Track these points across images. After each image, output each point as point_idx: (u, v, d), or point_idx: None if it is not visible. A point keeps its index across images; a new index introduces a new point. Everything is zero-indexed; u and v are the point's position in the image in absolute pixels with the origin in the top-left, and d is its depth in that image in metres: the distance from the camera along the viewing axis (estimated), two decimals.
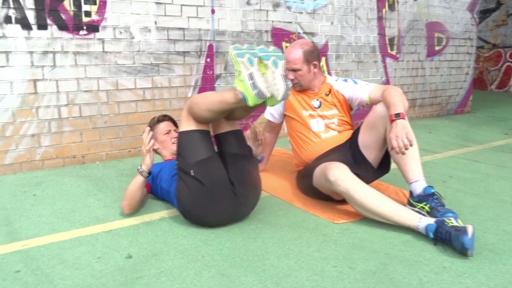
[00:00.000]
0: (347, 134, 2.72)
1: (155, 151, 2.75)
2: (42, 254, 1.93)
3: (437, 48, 5.59)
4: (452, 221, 2.10)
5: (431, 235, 2.07)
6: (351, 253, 1.98)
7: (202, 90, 3.77)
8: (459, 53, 5.89)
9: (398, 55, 5.15)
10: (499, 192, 2.85)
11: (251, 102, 1.89)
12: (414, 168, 2.43)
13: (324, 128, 2.70)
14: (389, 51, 5.05)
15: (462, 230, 1.95)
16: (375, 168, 2.60)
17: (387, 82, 5.10)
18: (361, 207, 2.24)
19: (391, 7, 4.96)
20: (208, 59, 3.76)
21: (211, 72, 3.80)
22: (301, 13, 4.27)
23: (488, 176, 3.20)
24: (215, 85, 3.85)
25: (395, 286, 1.71)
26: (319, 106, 2.72)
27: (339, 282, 1.73)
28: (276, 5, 4.08)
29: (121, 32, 3.31)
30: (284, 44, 4.19)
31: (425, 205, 2.34)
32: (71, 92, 3.20)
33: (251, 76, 1.86)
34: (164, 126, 2.71)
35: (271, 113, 2.95)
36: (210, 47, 3.75)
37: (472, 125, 5.26)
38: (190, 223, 2.25)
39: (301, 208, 2.51)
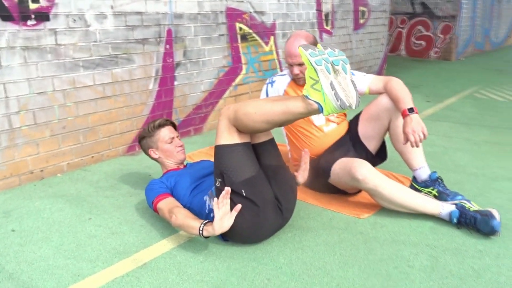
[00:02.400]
0: (344, 125, 2.75)
1: (155, 160, 2.47)
2: None
3: (361, 21, 5.85)
4: (470, 205, 2.28)
5: (455, 220, 2.22)
6: (399, 250, 2.05)
7: (163, 80, 3.44)
8: (377, 25, 6.25)
9: (332, 30, 5.27)
10: (464, 165, 3.16)
11: (327, 112, 1.74)
12: (418, 156, 2.57)
13: (325, 121, 2.68)
14: (325, 26, 5.14)
15: (489, 215, 2.13)
16: (374, 156, 2.68)
17: None
18: (389, 202, 2.31)
19: None
20: (168, 46, 3.42)
21: (171, 60, 3.47)
22: None
23: (445, 149, 3.52)
24: (176, 74, 3.53)
25: (458, 279, 1.83)
26: None
27: (411, 284, 1.79)
28: None
29: (75, 20, 2.82)
30: (237, 24, 3.99)
31: (433, 189, 2.51)
32: (22, 96, 2.66)
33: (332, 86, 1.71)
34: (166, 132, 2.42)
35: None
36: (169, 32, 3.41)
37: None
38: (220, 241, 2.09)
39: (318, 206, 2.50)
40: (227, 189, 1.84)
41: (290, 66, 2.58)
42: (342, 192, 2.60)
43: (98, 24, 2.94)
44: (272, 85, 2.74)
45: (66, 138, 2.92)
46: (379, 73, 6.52)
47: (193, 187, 2.22)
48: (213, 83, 3.88)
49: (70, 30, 2.81)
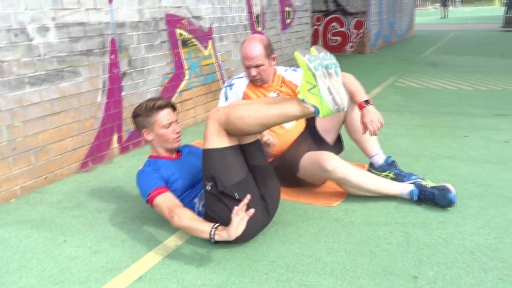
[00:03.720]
0: (302, 121, 2.90)
1: (146, 140, 2.30)
2: None
3: (287, 21, 6.09)
4: (426, 183, 2.53)
5: (416, 197, 2.46)
6: (374, 231, 2.23)
7: (110, 92, 3.34)
8: (301, 24, 6.54)
9: (263, 31, 5.43)
10: (406, 148, 3.47)
11: (323, 115, 1.83)
12: (373, 144, 2.81)
13: None
14: (256, 28, 5.29)
15: (446, 189, 2.40)
16: (333, 148, 2.87)
17: None
18: (357, 188, 2.49)
19: None
20: (112, 56, 3.32)
21: (117, 70, 3.38)
22: None
23: (386, 135, 3.82)
24: (122, 84, 3.45)
25: (432, 248, 2.04)
26: None
27: (394, 258, 1.97)
28: None
29: (16, 35, 2.65)
30: (177, 31, 3.98)
31: (389, 173, 2.75)
32: None
33: (330, 91, 1.80)
34: (165, 115, 2.21)
35: None
36: (113, 41, 3.32)
37: None
38: (210, 243, 2.11)
39: (290, 200, 2.61)
40: (248, 197, 1.84)
41: (247, 68, 2.66)
42: (308, 185, 2.74)
43: (41, 37, 2.79)
44: (231, 88, 2.80)
45: (17, 160, 2.73)
46: None
47: (187, 189, 2.21)
48: (159, 91, 3.84)
49: (12, 45, 2.64)
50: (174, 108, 2.30)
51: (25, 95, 2.73)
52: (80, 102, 3.10)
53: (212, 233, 1.84)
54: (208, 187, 2.00)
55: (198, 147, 2.55)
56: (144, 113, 2.23)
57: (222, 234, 1.82)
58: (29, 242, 2.23)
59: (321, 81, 1.80)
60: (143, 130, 2.27)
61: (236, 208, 1.82)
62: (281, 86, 2.80)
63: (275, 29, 5.74)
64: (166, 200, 2.03)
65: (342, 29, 9.95)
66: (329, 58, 1.85)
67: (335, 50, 10.09)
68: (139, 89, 3.62)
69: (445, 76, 6.63)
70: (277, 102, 1.99)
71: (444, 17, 27.20)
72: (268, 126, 1.97)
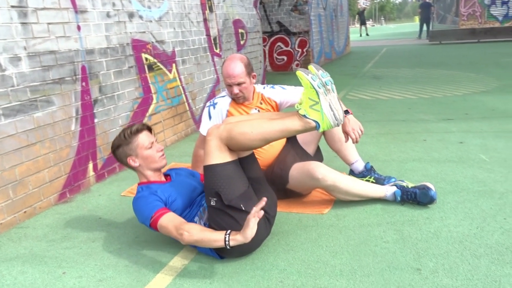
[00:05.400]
0: None
1: (133, 168, 2.29)
2: None
3: (242, 42, 6.25)
4: (405, 184, 2.72)
5: (399, 198, 2.64)
6: (369, 232, 2.36)
7: (83, 119, 3.27)
8: (254, 45, 6.74)
9: (220, 53, 5.55)
10: (375, 155, 3.69)
11: (323, 129, 1.96)
12: (352, 152, 2.98)
13: None
14: (215, 50, 5.39)
15: (426, 188, 2.59)
16: (313, 158, 3.00)
17: (217, 80, 5.45)
18: (345, 194, 2.63)
19: (210, 9, 5.27)
20: (84, 83, 3.27)
21: (89, 97, 3.32)
22: (151, 21, 4.12)
23: None
24: (94, 111, 3.39)
25: (425, 242, 2.20)
26: None
27: (393, 255, 2.10)
28: (131, 15, 3.82)
29: None
30: (143, 55, 3.99)
31: (370, 177, 2.92)
32: None
33: (331, 107, 1.92)
34: (145, 138, 2.25)
35: None
36: (83, 69, 3.26)
37: None
38: (216, 260, 2.15)
39: (282, 211, 2.68)
40: (264, 199, 1.89)
41: (229, 86, 2.74)
42: (296, 195, 2.84)
43: (14, 67, 2.71)
44: (214, 107, 2.86)
45: None
46: None
47: (186, 209, 2.22)
48: (129, 116, 3.80)
49: None
50: (150, 129, 2.34)
51: (0, 127, 2.62)
52: (54, 132, 3.01)
53: (227, 239, 1.86)
54: (212, 203, 2.04)
55: (182, 167, 2.58)
56: (124, 141, 2.25)
57: (237, 238, 1.85)
58: (25, 278, 2.13)
59: (323, 98, 1.95)
60: (128, 159, 2.26)
61: (254, 209, 1.85)
62: (261, 103, 2.90)
63: (231, 50, 5.87)
64: (171, 220, 2.03)
65: (288, 48, 10.32)
66: (326, 75, 2.00)
67: (282, 68, 10.43)
68: (111, 115, 3.57)
69: (390, 88, 7.07)
70: (278, 117, 2.10)
71: (361, 35, 28.19)
72: (269, 141, 2.07)
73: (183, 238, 1.94)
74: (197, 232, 1.93)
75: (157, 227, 2.05)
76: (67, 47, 3.13)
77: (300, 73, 1.96)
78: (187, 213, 2.23)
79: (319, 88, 1.94)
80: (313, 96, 1.96)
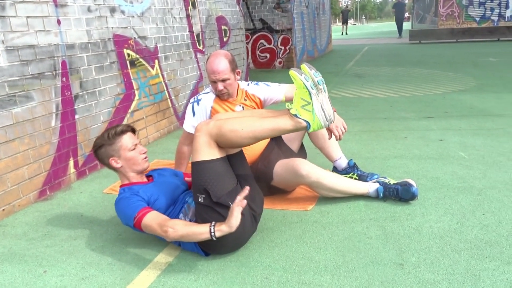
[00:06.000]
0: None
1: (115, 169, 2.26)
2: None
3: (225, 39, 6.22)
4: (388, 180, 2.76)
5: (381, 194, 2.67)
6: (352, 228, 2.39)
7: (64, 115, 3.21)
8: (237, 42, 6.72)
9: (204, 50, 5.51)
10: (358, 152, 3.73)
11: (313, 129, 1.97)
12: (335, 149, 3.01)
13: None
14: (198, 46, 5.35)
15: (408, 184, 2.63)
16: (297, 155, 3.01)
17: (200, 76, 5.42)
18: (329, 190, 2.65)
19: (193, 5, 5.23)
20: (64, 78, 3.20)
21: (69, 93, 3.26)
22: (133, 16, 4.06)
23: None
24: (75, 107, 3.32)
25: (407, 237, 2.24)
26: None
27: (376, 250, 2.13)
28: (112, 10, 3.76)
29: None
30: (125, 51, 3.93)
31: (353, 174, 2.95)
32: None
33: (322, 108, 1.93)
34: (128, 139, 2.22)
35: (194, 125, 2.90)
36: (64, 64, 3.20)
37: None
38: (201, 256, 2.14)
39: (266, 208, 2.66)
40: (247, 188, 1.90)
41: (214, 82, 2.73)
42: (280, 192, 2.85)
43: None
44: (198, 103, 2.85)
45: None
46: None
47: (169, 207, 2.20)
48: (111, 112, 3.75)
49: None
50: (134, 131, 2.32)
51: None
52: (34, 128, 2.95)
53: (212, 230, 1.86)
54: (200, 199, 2.03)
55: (165, 167, 2.56)
56: (107, 142, 2.22)
57: (222, 228, 1.85)
58: (4, 277, 2.08)
59: (315, 99, 1.96)
60: (110, 160, 2.24)
61: (238, 197, 1.86)
62: (245, 100, 2.89)
63: (214, 47, 5.84)
64: (154, 218, 2.02)
65: (270, 46, 10.33)
66: (319, 75, 2.01)
67: (265, 66, 10.43)
68: (92, 112, 3.51)
69: (372, 86, 7.15)
70: (270, 116, 2.10)
71: (343, 34, 28.82)
72: (259, 139, 2.06)
73: (168, 235, 1.93)
74: (181, 227, 1.92)
75: (141, 226, 2.04)
76: (47, 41, 3.06)
77: (293, 73, 1.96)
78: (171, 211, 2.21)
79: (312, 88, 1.95)
80: (305, 96, 1.97)
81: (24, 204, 2.89)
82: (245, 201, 1.85)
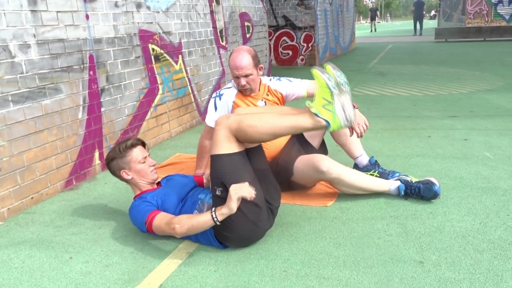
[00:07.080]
0: None
1: (126, 181, 2.36)
2: None
3: (248, 35, 6.25)
4: (409, 179, 2.74)
5: (403, 192, 2.65)
6: (372, 225, 2.38)
7: (90, 108, 3.29)
8: (260, 38, 6.74)
9: (226, 46, 5.55)
10: (379, 150, 3.70)
11: (333, 129, 1.98)
12: (357, 146, 2.99)
13: None
14: (221, 42, 5.40)
15: (430, 183, 2.61)
16: (318, 152, 3.01)
17: (223, 72, 5.46)
18: (350, 187, 2.64)
19: (217, 1, 5.27)
20: (91, 72, 3.29)
21: (96, 86, 3.34)
22: (158, 12, 4.13)
23: None
24: (101, 100, 3.41)
25: (428, 236, 2.22)
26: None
27: (397, 248, 2.12)
28: (139, 6, 3.83)
29: None
30: (150, 46, 4.00)
31: (374, 172, 2.94)
32: None
33: (344, 109, 1.94)
34: (139, 152, 2.33)
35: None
36: (91, 58, 3.28)
37: None
38: (218, 249, 2.17)
39: (286, 203, 2.70)
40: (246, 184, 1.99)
41: (237, 78, 2.76)
42: (300, 188, 2.86)
43: (23, 54, 2.73)
44: (220, 98, 2.88)
45: (3, 181, 2.63)
46: None
47: (180, 205, 2.25)
48: (135, 106, 3.82)
49: None
50: (144, 144, 2.41)
51: (9, 113, 2.65)
52: (62, 119, 3.04)
53: (214, 215, 1.94)
54: (218, 192, 2.06)
55: (176, 173, 2.64)
56: (118, 155, 2.31)
57: (223, 211, 1.94)
58: (33, 262, 2.16)
59: (337, 99, 1.96)
60: (121, 172, 2.33)
61: (233, 185, 1.95)
62: (267, 95, 2.91)
63: (237, 43, 5.87)
64: (162, 218, 2.10)
65: (293, 43, 10.30)
66: (342, 76, 2.01)
67: (287, 63, 10.41)
68: (117, 105, 3.59)
69: (395, 84, 7.07)
70: (290, 113, 2.11)
71: (372, 31, 28.96)
72: (278, 136, 2.09)
73: (176, 232, 2.01)
74: (186, 221, 1.99)
75: (152, 229, 2.12)
76: (76, 35, 3.15)
77: (316, 71, 1.97)
78: (181, 207, 2.26)
79: (334, 88, 1.95)
80: (327, 96, 1.97)
81: (51, 193, 2.98)
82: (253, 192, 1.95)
